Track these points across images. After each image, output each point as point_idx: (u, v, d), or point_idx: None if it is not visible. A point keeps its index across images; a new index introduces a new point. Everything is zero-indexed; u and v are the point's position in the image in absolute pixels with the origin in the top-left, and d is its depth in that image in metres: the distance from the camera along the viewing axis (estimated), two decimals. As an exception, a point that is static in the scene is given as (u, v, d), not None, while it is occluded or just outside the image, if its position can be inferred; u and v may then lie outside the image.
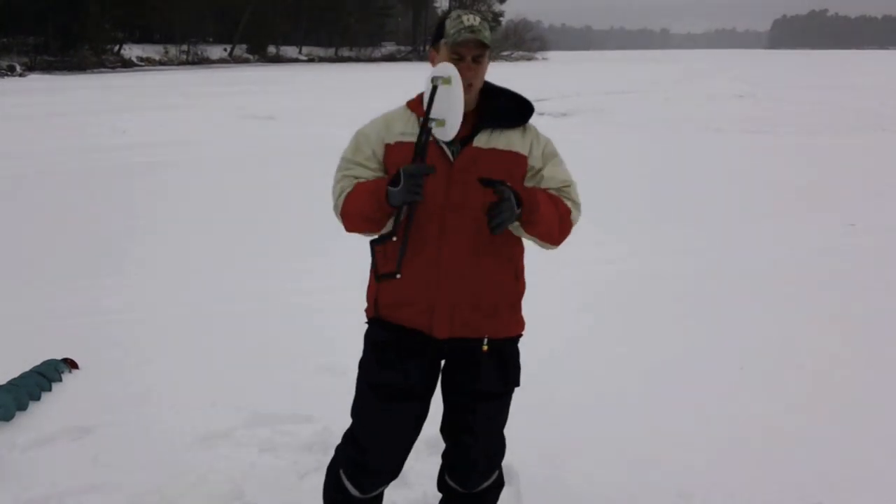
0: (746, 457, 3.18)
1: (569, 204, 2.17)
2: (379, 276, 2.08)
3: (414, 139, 2.06)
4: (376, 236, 2.08)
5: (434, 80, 1.97)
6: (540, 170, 2.17)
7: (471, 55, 2.06)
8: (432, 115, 1.97)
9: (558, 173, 2.19)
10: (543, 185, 2.16)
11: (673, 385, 3.82)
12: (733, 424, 3.45)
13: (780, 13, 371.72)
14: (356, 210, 2.08)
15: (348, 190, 2.12)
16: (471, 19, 2.06)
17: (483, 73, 2.11)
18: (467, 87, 2.05)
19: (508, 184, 2.00)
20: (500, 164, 2.09)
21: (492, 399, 2.27)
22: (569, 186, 2.20)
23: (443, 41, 2.08)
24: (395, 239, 1.98)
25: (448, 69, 1.99)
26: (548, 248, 2.21)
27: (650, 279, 5.58)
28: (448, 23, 2.08)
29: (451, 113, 1.98)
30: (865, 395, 3.77)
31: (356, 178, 2.14)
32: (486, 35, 2.06)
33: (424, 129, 1.97)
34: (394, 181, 1.96)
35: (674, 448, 3.21)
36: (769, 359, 4.18)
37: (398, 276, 1.97)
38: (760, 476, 3.04)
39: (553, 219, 2.10)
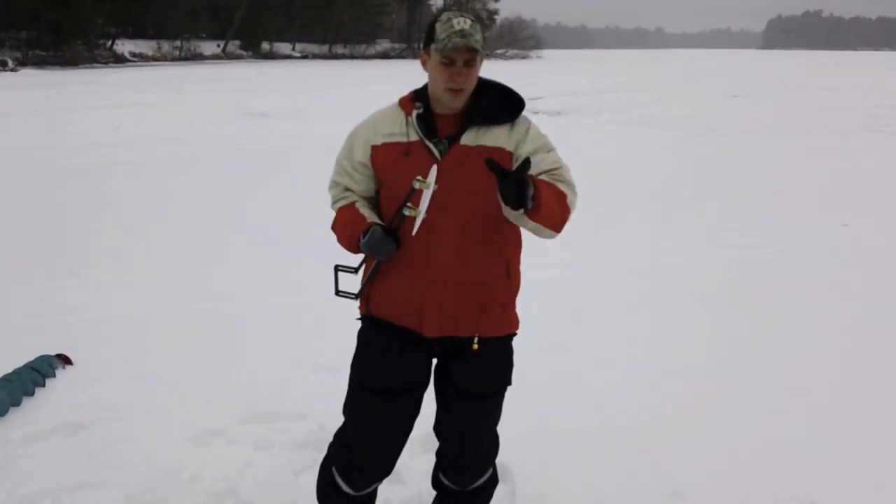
0: (741, 455, 3.19)
1: (563, 187, 2.05)
2: (337, 290, 2.21)
3: (400, 139, 2.09)
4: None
5: (415, 181, 2.00)
6: None
7: (462, 59, 1.99)
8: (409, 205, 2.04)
9: (545, 159, 2.09)
10: (532, 173, 2.03)
11: (668, 383, 3.83)
12: (728, 423, 3.46)
13: (775, 13, 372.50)
14: (339, 236, 2.20)
15: (341, 203, 2.22)
16: (461, 23, 1.97)
17: (475, 76, 2.05)
18: (459, 91, 2.02)
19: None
20: None
21: (484, 398, 2.27)
22: (559, 168, 2.09)
23: (433, 46, 2.00)
24: (360, 273, 2.19)
25: (433, 176, 1.99)
26: (549, 237, 2.07)
27: (644, 276, 5.60)
28: (438, 26, 1.99)
29: (423, 209, 2.00)
30: (860, 393, 3.80)
31: (346, 187, 2.22)
32: (478, 39, 1.98)
33: (399, 212, 2.05)
34: (366, 231, 2.05)
35: (669, 446, 3.22)
36: (763, 356, 4.20)
37: (356, 297, 2.21)
38: (755, 474, 3.05)
39: (552, 200, 1.97)
